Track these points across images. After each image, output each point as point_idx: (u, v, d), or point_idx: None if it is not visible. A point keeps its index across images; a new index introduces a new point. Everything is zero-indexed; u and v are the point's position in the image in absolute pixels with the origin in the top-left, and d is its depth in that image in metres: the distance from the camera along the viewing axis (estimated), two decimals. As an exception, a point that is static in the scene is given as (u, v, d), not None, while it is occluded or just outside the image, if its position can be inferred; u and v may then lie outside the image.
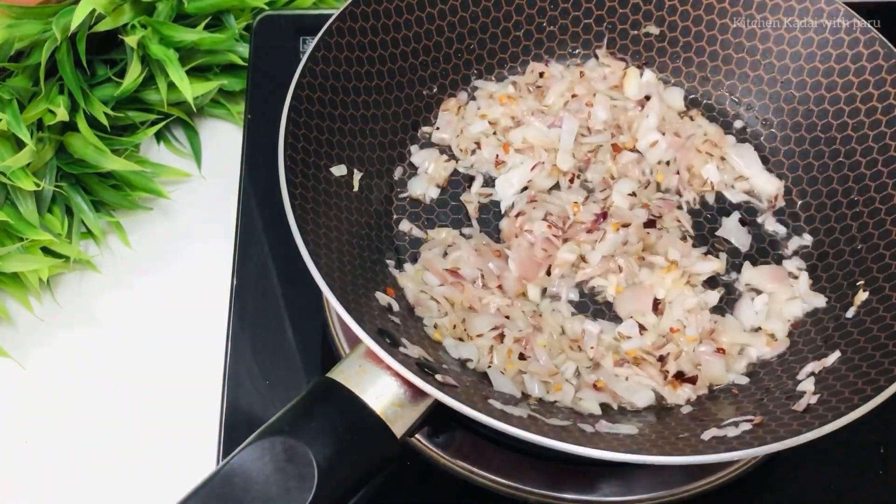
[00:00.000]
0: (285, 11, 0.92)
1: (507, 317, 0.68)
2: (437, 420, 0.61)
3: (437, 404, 0.57)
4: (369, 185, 0.73)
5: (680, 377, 0.66)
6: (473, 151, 0.78)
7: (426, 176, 0.77)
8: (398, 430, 0.57)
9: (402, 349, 0.60)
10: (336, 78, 0.72)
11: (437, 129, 0.79)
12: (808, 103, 0.77)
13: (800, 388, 0.63)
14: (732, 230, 0.75)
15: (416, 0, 0.76)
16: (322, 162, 0.69)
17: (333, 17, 0.72)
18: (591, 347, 0.67)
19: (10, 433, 0.73)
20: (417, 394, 0.57)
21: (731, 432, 0.59)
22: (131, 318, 0.79)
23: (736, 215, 0.75)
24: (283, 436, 0.53)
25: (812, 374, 0.64)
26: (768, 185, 0.77)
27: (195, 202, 0.86)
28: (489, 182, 0.77)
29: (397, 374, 0.56)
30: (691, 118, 0.81)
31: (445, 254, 0.72)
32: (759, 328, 0.70)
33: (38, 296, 0.78)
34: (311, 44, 0.71)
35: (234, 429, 0.70)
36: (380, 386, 0.57)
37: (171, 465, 0.71)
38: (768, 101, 0.80)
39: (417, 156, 0.78)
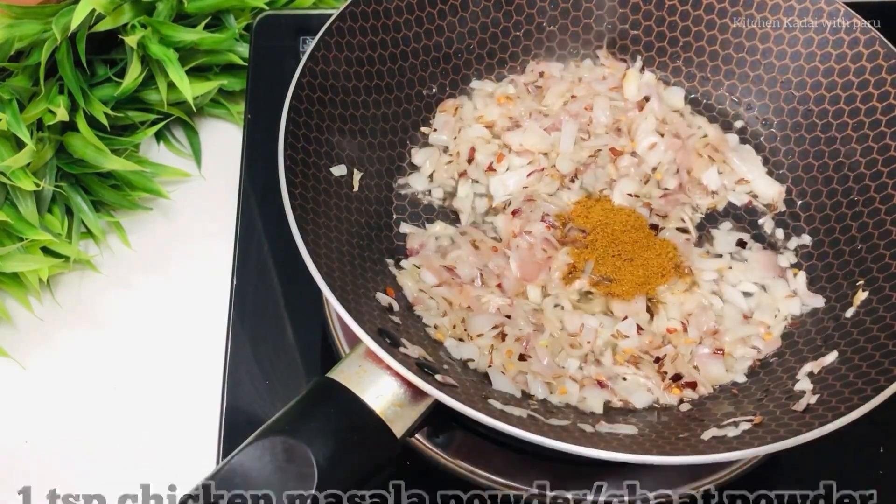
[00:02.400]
0: (285, 11, 0.92)
1: (508, 316, 0.68)
2: (437, 420, 0.61)
3: (437, 404, 0.57)
4: (369, 185, 0.73)
5: (678, 380, 0.66)
6: (470, 160, 0.77)
7: (426, 176, 0.77)
8: (398, 429, 0.57)
9: (402, 349, 0.60)
10: (336, 78, 0.72)
11: (435, 130, 0.79)
12: (808, 103, 0.77)
13: (799, 387, 0.63)
14: (722, 236, 0.75)
15: (416, 0, 0.76)
16: (322, 162, 0.69)
17: (333, 17, 0.72)
18: (588, 342, 0.67)
19: (10, 433, 0.73)
20: (417, 394, 0.57)
21: (731, 432, 0.59)
22: (131, 317, 0.79)
23: (732, 228, 0.76)
24: (284, 435, 0.53)
25: (812, 373, 0.64)
26: (769, 190, 0.77)
27: (195, 202, 0.86)
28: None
29: (397, 374, 0.56)
30: (692, 119, 0.81)
31: (441, 247, 0.72)
32: (753, 316, 0.70)
33: (38, 296, 0.78)
34: (311, 44, 0.71)
35: (234, 429, 0.70)
36: (380, 386, 0.57)
37: (171, 464, 0.71)
38: (768, 100, 0.80)
39: (418, 155, 0.78)
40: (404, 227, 0.74)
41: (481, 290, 0.69)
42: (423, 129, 0.79)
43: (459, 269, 0.70)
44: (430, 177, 0.77)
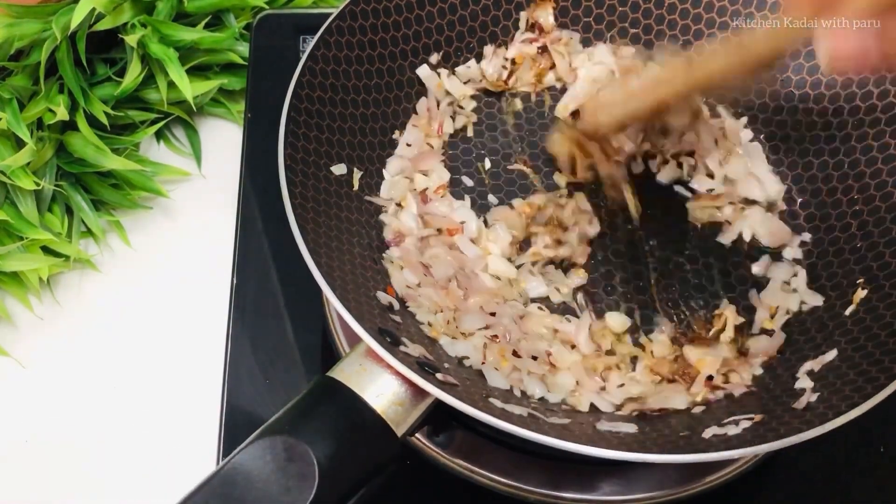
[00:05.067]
0: (285, 10, 0.92)
1: (493, 314, 0.67)
2: (438, 419, 0.61)
3: (438, 403, 0.57)
4: (369, 184, 0.73)
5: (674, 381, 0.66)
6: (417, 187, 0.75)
7: (388, 188, 0.75)
8: (399, 429, 0.57)
9: (402, 348, 0.60)
10: (336, 77, 0.72)
11: (409, 145, 0.76)
12: (807, 101, 0.77)
13: (800, 385, 0.63)
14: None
15: (416, -2, 0.76)
16: (322, 161, 0.69)
17: (333, 16, 0.72)
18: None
19: (10, 433, 0.73)
20: (418, 393, 0.57)
21: (732, 430, 0.59)
22: (131, 317, 0.79)
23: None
24: (284, 435, 0.53)
25: (812, 371, 0.64)
26: (770, 188, 0.77)
27: (195, 201, 0.86)
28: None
29: (398, 373, 0.56)
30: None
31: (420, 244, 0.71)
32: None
33: (39, 295, 0.78)
34: (311, 43, 0.71)
35: (234, 428, 0.70)
36: (380, 385, 0.57)
37: (171, 464, 0.71)
38: (768, 99, 0.80)
39: (390, 164, 0.76)
40: (382, 217, 0.72)
41: (461, 290, 0.68)
42: (392, 135, 0.77)
43: (435, 268, 0.69)
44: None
